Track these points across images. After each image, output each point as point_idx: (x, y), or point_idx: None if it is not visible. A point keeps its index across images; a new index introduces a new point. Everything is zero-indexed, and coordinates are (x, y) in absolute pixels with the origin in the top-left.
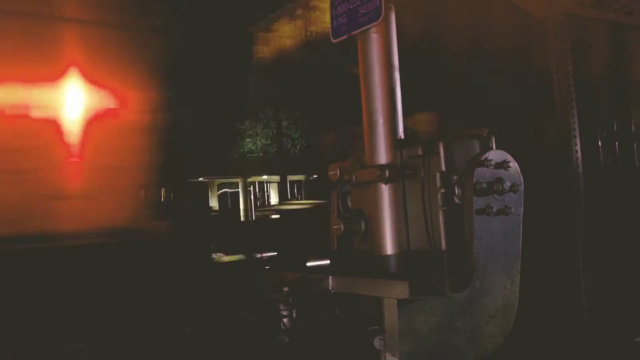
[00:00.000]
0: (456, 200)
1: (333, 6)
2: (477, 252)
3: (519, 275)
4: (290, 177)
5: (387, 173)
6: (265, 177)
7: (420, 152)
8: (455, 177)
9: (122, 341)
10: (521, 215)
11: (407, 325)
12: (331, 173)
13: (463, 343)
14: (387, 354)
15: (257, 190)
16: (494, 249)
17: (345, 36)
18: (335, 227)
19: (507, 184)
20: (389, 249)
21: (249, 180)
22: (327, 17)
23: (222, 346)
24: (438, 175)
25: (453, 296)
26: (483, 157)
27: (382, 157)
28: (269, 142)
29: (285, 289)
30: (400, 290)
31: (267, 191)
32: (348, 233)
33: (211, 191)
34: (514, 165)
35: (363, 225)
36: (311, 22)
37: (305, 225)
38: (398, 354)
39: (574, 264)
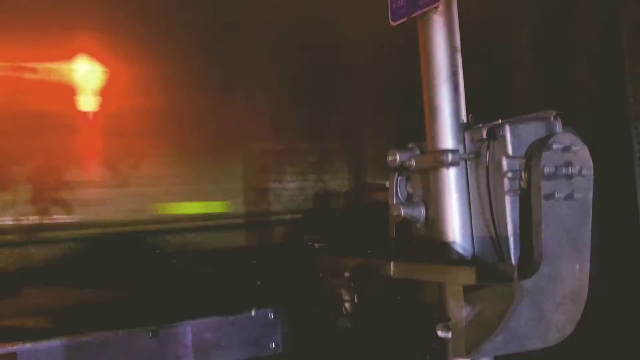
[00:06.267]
0: (522, 185)
1: None
2: (545, 238)
3: (589, 262)
4: None
5: (449, 158)
6: None
7: (484, 136)
8: (521, 161)
9: None
10: (590, 201)
11: (472, 313)
12: (390, 159)
13: (530, 331)
14: (451, 342)
15: None
16: (563, 234)
17: (405, 18)
18: (395, 213)
19: (576, 168)
20: (451, 235)
21: None
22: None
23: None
24: (504, 159)
25: (520, 283)
26: (551, 140)
27: (444, 142)
28: None
29: (347, 274)
30: (466, 276)
31: None
32: (407, 219)
33: None
34: (582, 148)
35: (423, 212)
36: None
37: None
38: (463, 341)
39: None
